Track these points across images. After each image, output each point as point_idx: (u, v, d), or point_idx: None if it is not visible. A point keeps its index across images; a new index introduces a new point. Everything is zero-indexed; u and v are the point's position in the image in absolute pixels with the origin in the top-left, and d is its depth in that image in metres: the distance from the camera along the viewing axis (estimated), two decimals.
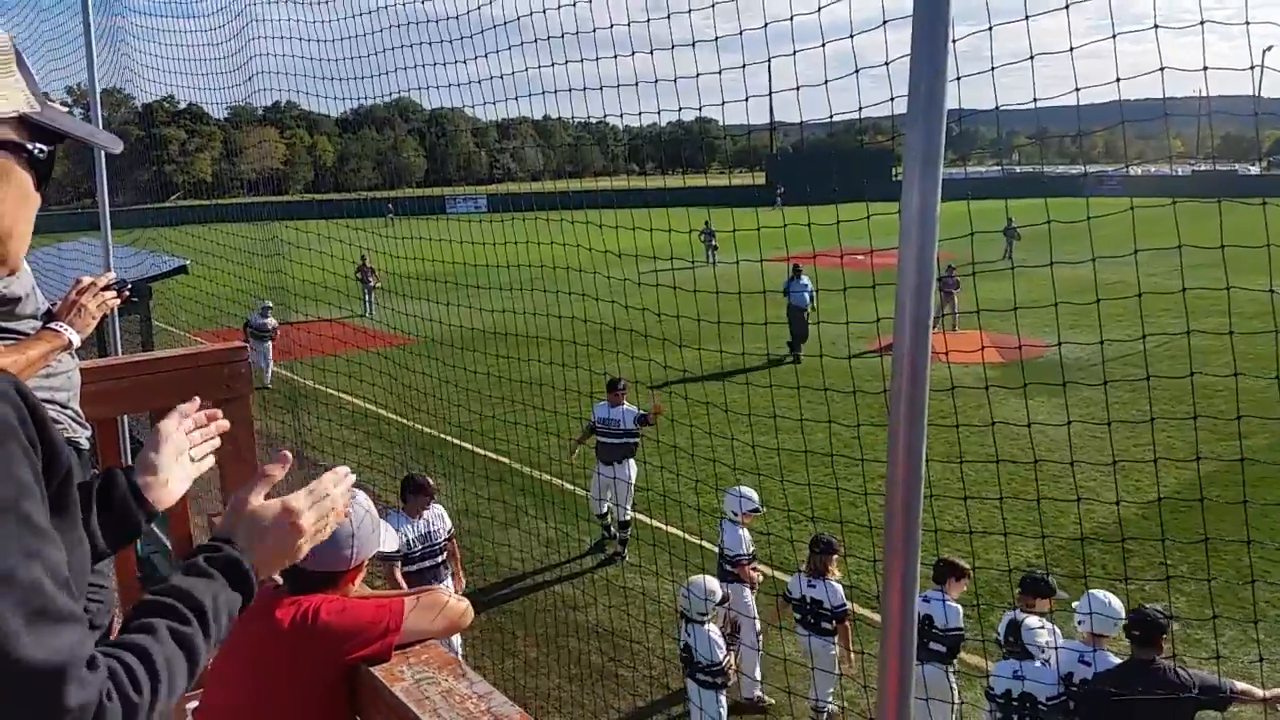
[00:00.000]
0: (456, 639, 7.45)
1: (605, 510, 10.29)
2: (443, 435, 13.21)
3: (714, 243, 29.51)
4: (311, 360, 16.47)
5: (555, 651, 8.14)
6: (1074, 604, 5.96)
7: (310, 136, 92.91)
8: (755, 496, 7.90)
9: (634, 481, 10.29)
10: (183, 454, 1.59)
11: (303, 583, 2.06)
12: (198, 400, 1.72)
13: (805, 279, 18.69)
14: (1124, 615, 5.71)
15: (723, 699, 6.55)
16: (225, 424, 1.67)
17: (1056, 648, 5.78)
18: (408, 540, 7.36)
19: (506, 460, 12.58)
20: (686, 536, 10.02)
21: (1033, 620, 6.31)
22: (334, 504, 1.52)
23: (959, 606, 6.61)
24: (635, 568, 9.80)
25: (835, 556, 7.02)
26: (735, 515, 7.83)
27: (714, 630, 6.45)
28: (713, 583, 6.58)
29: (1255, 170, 69.24)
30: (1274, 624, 7.76)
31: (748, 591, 7.73)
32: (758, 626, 7.52)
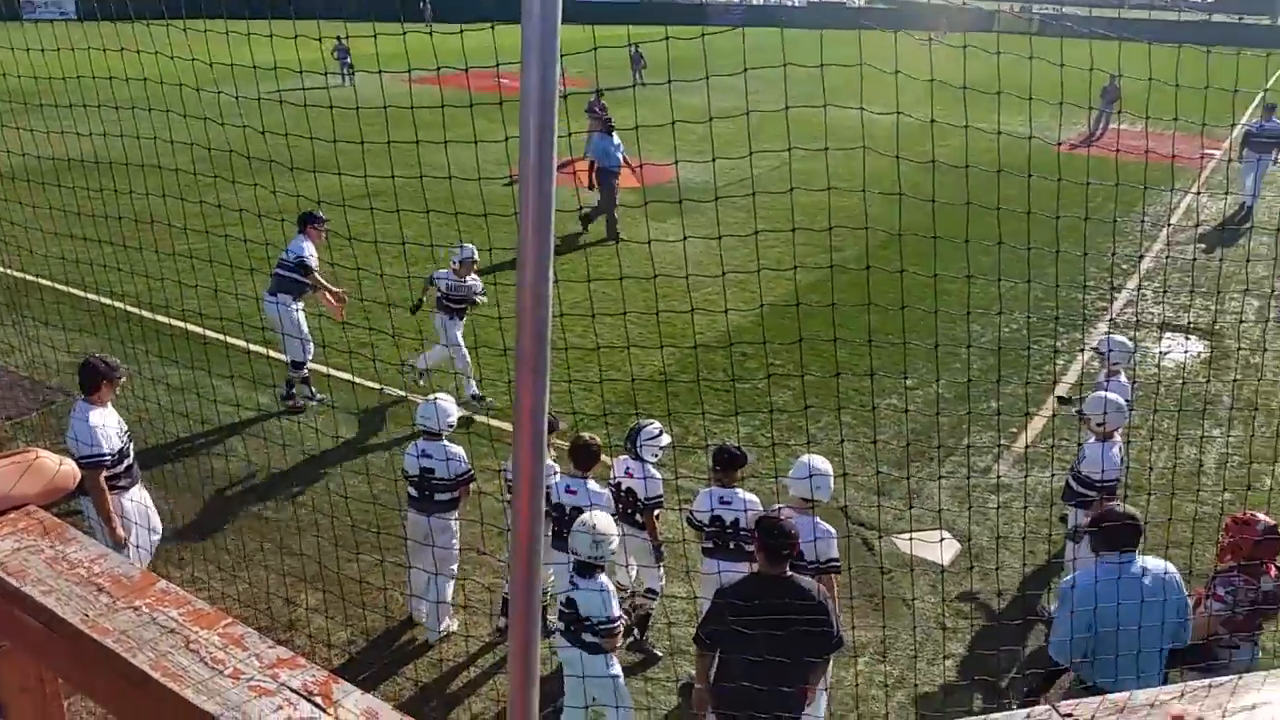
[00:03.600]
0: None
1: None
2: (36, 278, 11.65)
3: (349, 60, 27.60)
4: None
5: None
6: (789, 474, 5.97)
7: None
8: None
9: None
10: None
11: None
12: None
13: (617, 137, 15.85)
14: (832, 480, 5.82)
15: (615, 663, 5.53)
16: None
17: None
18: (116, 435, 6.42)
19: (120, 304, 11.38)
20: (332, 371, 9.75)
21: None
22: None
23: (605, 491, 6.37)
24: (294, 417, 9.42)
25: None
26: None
27: (606, 580, 5.48)
28: (607, 522, 5.52)
29: (861, 2, 75.13)
30: (859, 409, 9.04)
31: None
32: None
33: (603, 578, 5.40)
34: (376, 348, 8.90)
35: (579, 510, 6.22)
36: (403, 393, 9.27)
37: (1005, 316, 10.12)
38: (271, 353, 10.08)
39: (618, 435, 8.40)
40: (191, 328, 10.44)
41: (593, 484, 6.38)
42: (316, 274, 9.54)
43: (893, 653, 6.72)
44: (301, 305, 9.57)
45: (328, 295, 9.52)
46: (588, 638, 5.34)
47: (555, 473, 6.58)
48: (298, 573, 6.85)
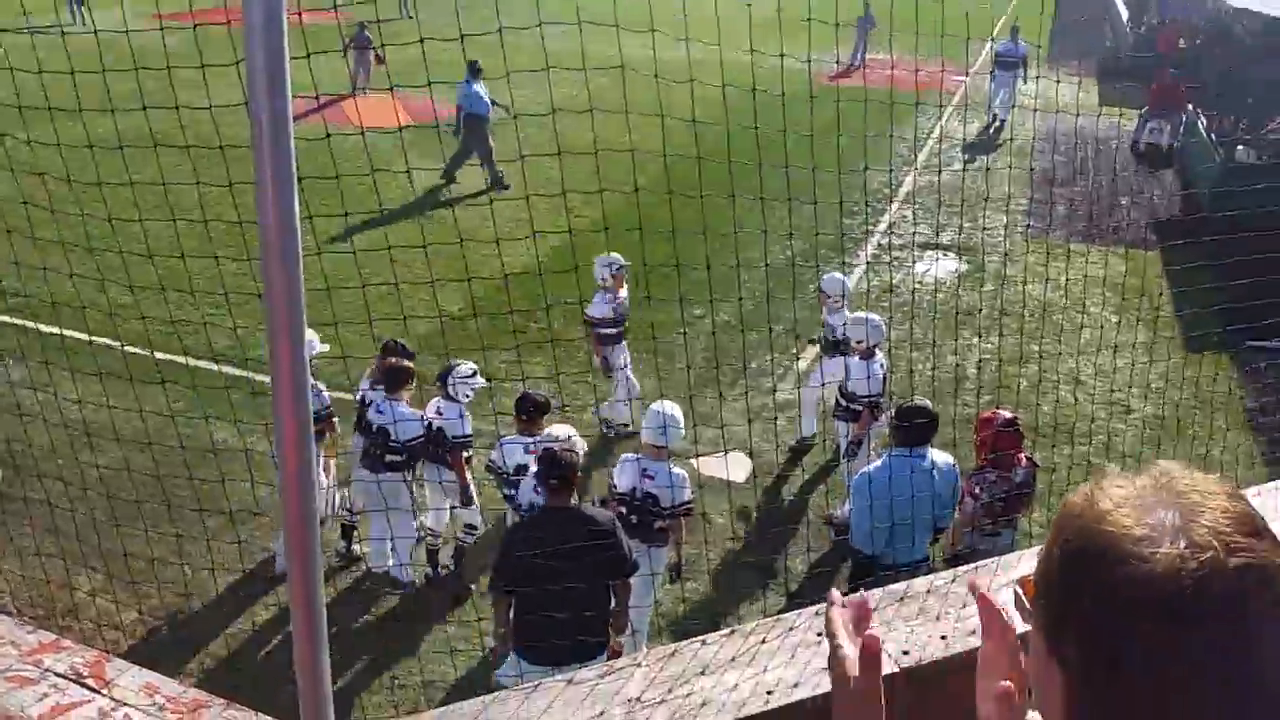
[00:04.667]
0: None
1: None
2: None
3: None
4: None
5: None
6: (643, 423, 6.15)
7: None
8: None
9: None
10: None
11: None
12: None
13: (480, 85, 14.69)
14: (682, 425, 5.96)
15: None
16: None
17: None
18: None
19: None
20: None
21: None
22: None
23: (417, 413, 6.62)
24: (40, 386, 8.61)
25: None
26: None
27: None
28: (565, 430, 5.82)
29: None
30: (647, 340, 9.19)
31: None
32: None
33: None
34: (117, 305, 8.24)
35: (385, 431, 6.42)
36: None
37: (779, 245, 10.55)
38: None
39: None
40: None
41: (402, 407, 6.54)
42: None
43: (694, 570, 6.99)
44: None
45: None
46: None
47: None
48: (71, 555, 6.36)
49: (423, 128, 15.48)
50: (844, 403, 7.62)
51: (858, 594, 1.34)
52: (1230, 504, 0.94)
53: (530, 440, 6.17)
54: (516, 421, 6.38)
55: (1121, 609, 0.89)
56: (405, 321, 7.89)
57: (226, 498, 5.86)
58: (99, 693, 2.02)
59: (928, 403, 5.82)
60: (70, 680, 2.04)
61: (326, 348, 6.88)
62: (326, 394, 6.97)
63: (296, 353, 1.48)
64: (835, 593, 1.33)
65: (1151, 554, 0.89)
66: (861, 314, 7.73)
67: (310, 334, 6.75)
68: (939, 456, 5.64)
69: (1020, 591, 1.10)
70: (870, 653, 1.21)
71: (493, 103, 14.57)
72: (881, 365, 7.59)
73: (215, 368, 6.99)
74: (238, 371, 7.65)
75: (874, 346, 7.50)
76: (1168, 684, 0.88)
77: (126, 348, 7.52)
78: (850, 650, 1.23)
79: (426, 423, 6.58)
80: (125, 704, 2.00)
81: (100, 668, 2.08)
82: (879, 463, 5.75)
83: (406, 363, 6.74)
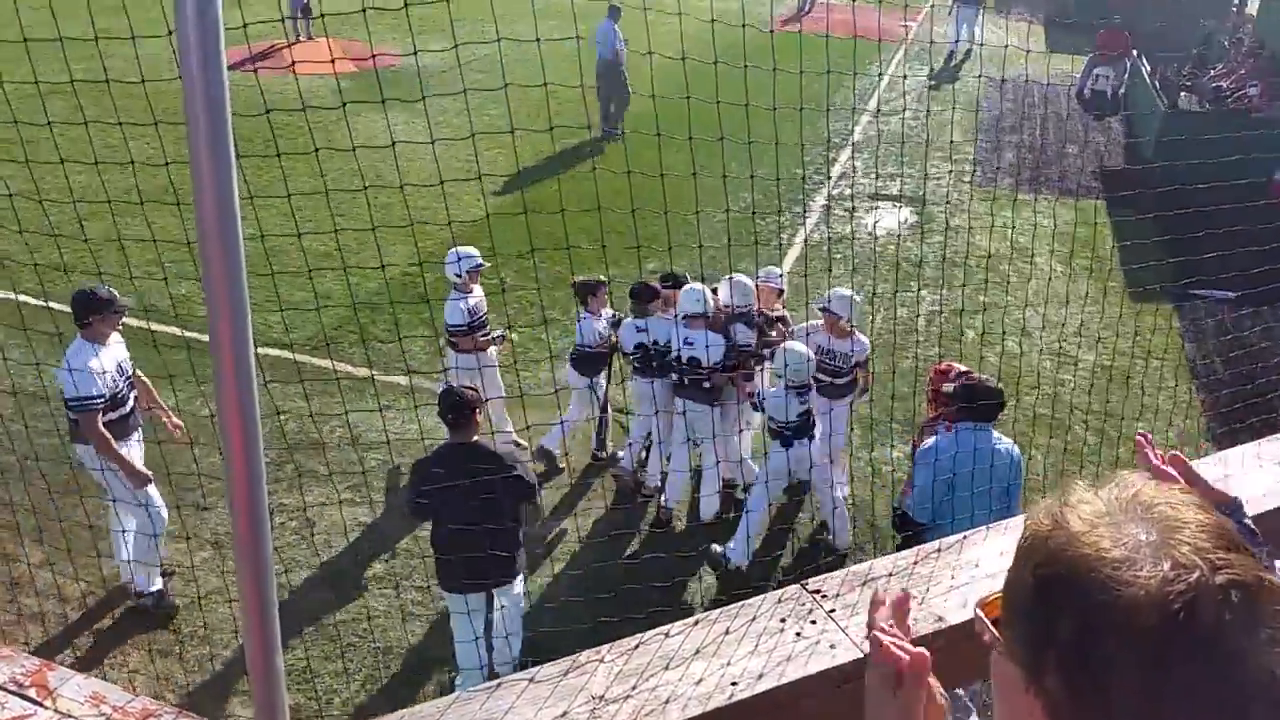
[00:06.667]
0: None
1: None
2: None
3: None
4: None
5: None
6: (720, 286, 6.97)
7: None
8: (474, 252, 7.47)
9: None
10: None
11: None
12: None
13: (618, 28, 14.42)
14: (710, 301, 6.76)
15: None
16: None
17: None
18: (111, 377, 5.77)
19: None
20: None
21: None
22: None
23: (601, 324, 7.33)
24: None
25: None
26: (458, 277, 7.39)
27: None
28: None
29: None
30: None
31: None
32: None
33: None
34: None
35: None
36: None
37: (731, 195, 10.42)
38: None
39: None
40: None
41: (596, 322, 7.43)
42: None
43: (656, 555, 6.84)
44: None
45: None
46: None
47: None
48: (11, 526, 6.13)
49: (363, 74, 15.07)
50: (826, 379, 7.05)
51: (899, 592, 1.36)
52: (1203, 516, 0.91)
53: (644, 321, 7.06)
54: (630, 307, 7.20)
55: (1107, 636, 0.87)
56: (348, 275, 7.68)
57: (164, 464, 5.64)
58: (41, 704, 1.90)
59: (1000, 388, 5.58)
60: (10, 693, 1.92)
61: (486, 264, 7.52)
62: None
63: (238, 325, 1.40)
64: (883, 594, 1.33)
65: (1134, 577, 0.86)
66: (791, 344, 6.87)
67: (471, 250, 7.44)
68: (1008, 443, 5.43)
69: (982, 614, 1.05)
70: (922, 670, 1.22)
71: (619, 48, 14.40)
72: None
73: (147, 326, 6.76)
74: (175, 330, 7.38)
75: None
76: (1160, 707, 0.85)
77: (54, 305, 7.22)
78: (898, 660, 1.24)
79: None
80: (70, 715, 1.89)
81: (42, 677, 1.96)
82: (948, 435, 5.41)
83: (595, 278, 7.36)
